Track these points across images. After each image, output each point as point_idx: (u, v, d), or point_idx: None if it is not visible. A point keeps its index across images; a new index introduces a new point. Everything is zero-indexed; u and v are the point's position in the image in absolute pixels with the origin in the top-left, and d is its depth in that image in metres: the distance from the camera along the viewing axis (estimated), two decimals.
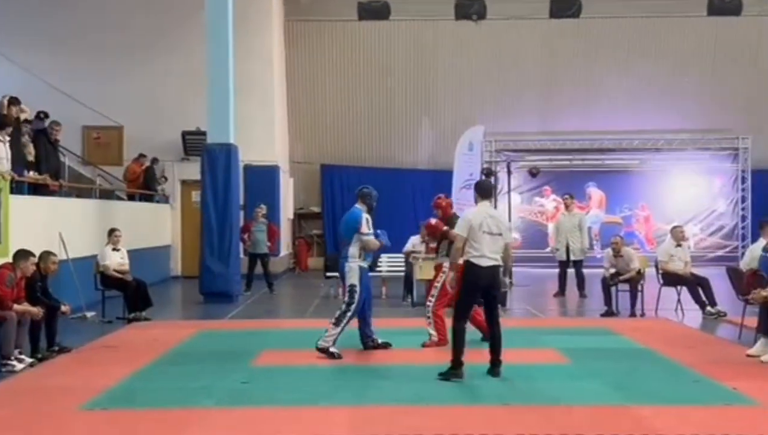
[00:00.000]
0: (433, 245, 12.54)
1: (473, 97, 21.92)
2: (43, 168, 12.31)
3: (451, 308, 8.04)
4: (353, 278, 8.69)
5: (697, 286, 12.15)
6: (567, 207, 15.62)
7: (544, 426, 5.92)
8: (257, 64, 18.74)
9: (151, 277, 14.61)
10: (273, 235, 16.20)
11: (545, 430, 5.83)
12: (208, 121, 14.55)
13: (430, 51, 22.12)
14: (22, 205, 10.99)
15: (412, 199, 21.19)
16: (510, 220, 18.29)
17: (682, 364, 8.23)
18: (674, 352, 8.89)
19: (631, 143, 22.01)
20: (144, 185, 17.93)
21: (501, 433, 5.77)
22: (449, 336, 8.08)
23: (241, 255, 15.23)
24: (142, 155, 18.06)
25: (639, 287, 12.16)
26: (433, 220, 9.94)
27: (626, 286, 12.21)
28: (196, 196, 17.64)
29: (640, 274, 12.22)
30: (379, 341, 9.07)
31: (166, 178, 19.13)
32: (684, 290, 12.31)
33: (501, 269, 7.73)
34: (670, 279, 12.37)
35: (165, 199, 19.20)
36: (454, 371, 7.41)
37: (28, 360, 8.35)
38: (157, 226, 18.53)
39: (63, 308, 9.10)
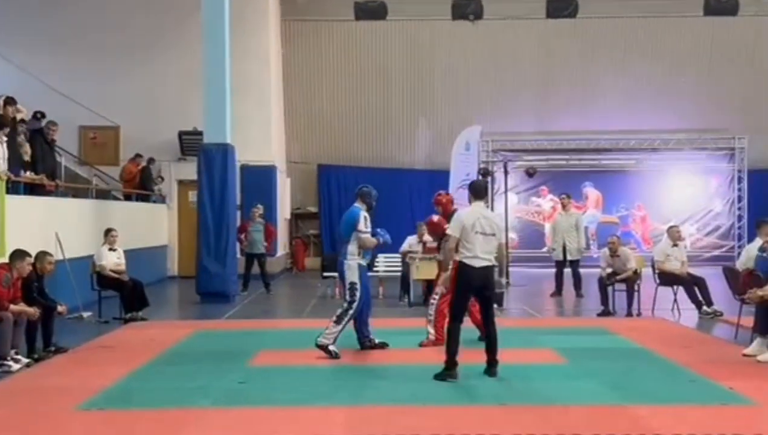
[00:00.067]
0: (432, 245, 12.60)
1: (470, 97, 21.94)
2: (39, 168, 12.29)
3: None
4: (353, 276, 8.70)
5: (694, 285, 12.17)
6: (564, 207, 15.63)
7: (540, 426, 5.93)
8: (254, 64, 18.73)
9: (148, 277, 14.59)
10: (270, 235, 16.19)
11: (542, 430, 5.83)
12: (205, 121, 14.54)
13: (427, 51, 22.14)
14: (19, 205, 10.98)
15: (409, 199, 21.20)
16: (507, 220, 18.30)
17: (678, 364, 8.24)
18: (671, 351, 8.90)
19: (627, 143, 22.03)
20: (140, 185, 17.90)
21: (498, 433, 5.77)
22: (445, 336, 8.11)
23: (238, 255, 15.22)
24: (138, 155, 18.04)
25: (636, 287, 12.17)
26: (435, 218, 9.93)
27: (623, 286, 12.23)
28: (192, 196, 17.64)
29: (636, 274, 12.24)
30: (377, 341, 9.07)
31: (162, 178, 19.11)
32: (680, 290, 12.32)
33: (495, 269, 7.71)
34: (667, 279, 12.38)
35: (162, 199, 19.19)
36: (448, 372, 7.41)
37: (25, 360, 8.33)
38: (154, 226, 18.52)
39: (59, 308, 9.08)
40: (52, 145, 13.09)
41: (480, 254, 7.48)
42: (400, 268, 14.28)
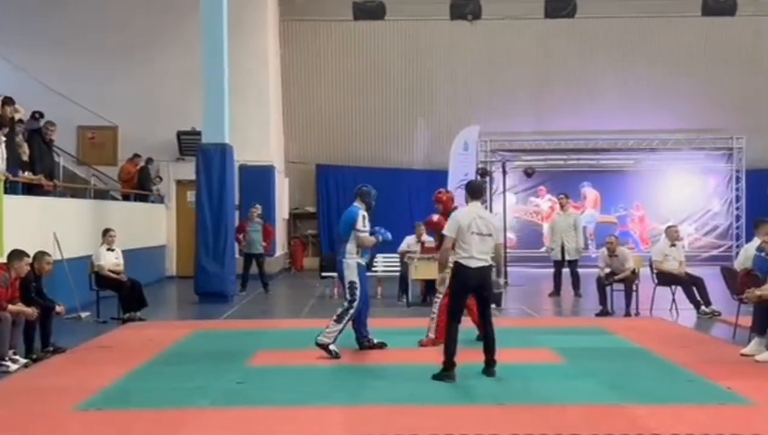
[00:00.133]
0: (430, 245, 12.61)
1: (468, 97, 21.95)
2: (37, 168, 12.28)
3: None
4: (352, 275, 8.70)
5: (692, 285, 12.18)
6: (562, 207, 15.64)
7: (539, 426, 5.93)
8: (252, 64, 18.73)
9: (146, 277, 14.59)
10: (268, 235, 16.19)
11: (540, 429, 5.83)
12: (203, 121, 14.54)
13: (426, 51, 22.15)
14: (17, 205, 10.97)
15: (408, 199, 21.19)
16: (505, 220, 18.31)
17: (676, 364, 8.24)
18: (669, 351, 8.91)
19: (625, 143, 22.05)
20: (139, 185, 17.90)
21: (496, 433, 5.77)
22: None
23: (237, 255, 15.22)
24: (136, 155, 18.05)
25: (634, 287, 12.18)
26: (435, 217, 9.93)
27: (621, 286, 12.23)
28: (191, 196, 17.63)
29: (634, 274, 12.25)
30: (375, 341, 9.07)
31: (161, 178, 19.10)
32: (679, 290, 12.33)
33: (492, 270, 7.70)
34: (665, 278, 12.39)
35: (160, 199, 19.18)
36: (446, 373, 7.40)
37: (23, 360, 8.32)
38: (152, 226, 18.51)
39: (57, 308, 9.07)
40: (51, 145, 13.09)
41: (476, 255, 7.47)
42: (398, 268, 14.28)
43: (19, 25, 18.82)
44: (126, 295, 11.75)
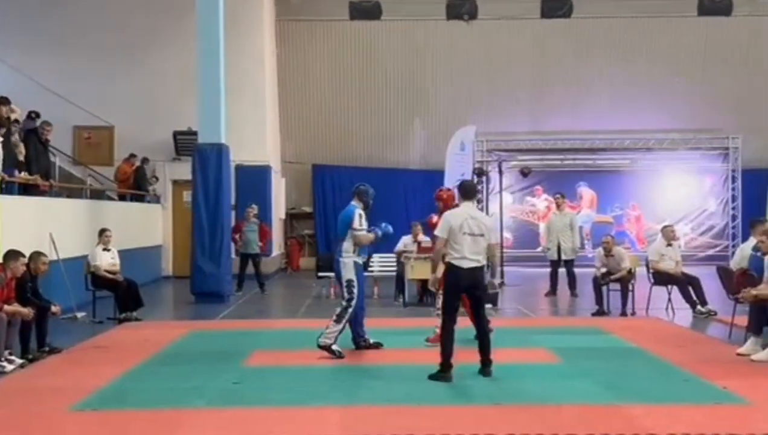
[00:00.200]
0: (427, 244, 12.61)
1: (465, 97, 21.96)
2: (33, 168, 12.26)
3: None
4: (349, 273, 8.70)
5: (688, 285, 12.20)
6: (558, 206, 15.64)
7: (535, 425, 5.93)
8: (248, 64, 18.73)
9: (142, 277, 14.58)
10: (264, 235, 16.18)
11: (536, 429, 5.84)
12: (199, 121, 14.53)
13: (422, 51, 22.16)
14: (12, 205, 10.95)
15: (404, 198, 21.20)
16: (501, 219, 18.33)
17: (672, 363, 8.26)
18: (665, 351, 8.92)
19: (622, 143, 22.08)
20: (135, 185, 17.88)
21: (492, 433, 5.77)
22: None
23: (233, 255, 15.21)
24: (132, 155, 18.03)
25: (630, 286, 12.19)
26: (434, 217, 9.93)
27: (617, 286, 12.25)
28: (187, 196, 17.61)
29: (631, 274, 12.26)
30: (371, 341, 9.07)
31: (157, 178, 19.09)
32: (675, 289, 12.35)
33: (485, 269, 7.68)
34: (661, 278, 12.41)
35: (156, 199, 19.16)
36: (442, 374, 7.41)
37: (19, 361, 8.31)
38: (148, 226, 18.49)
39: (53, 309, 9.06)
40: (47, 145, 13.07)
41: (468, 255, 7.47)
42: (395, 268, 14.28)
43: (15, 25, 18.79)
44: (122, 295, 11.73)
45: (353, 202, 8.94)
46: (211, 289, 14.01)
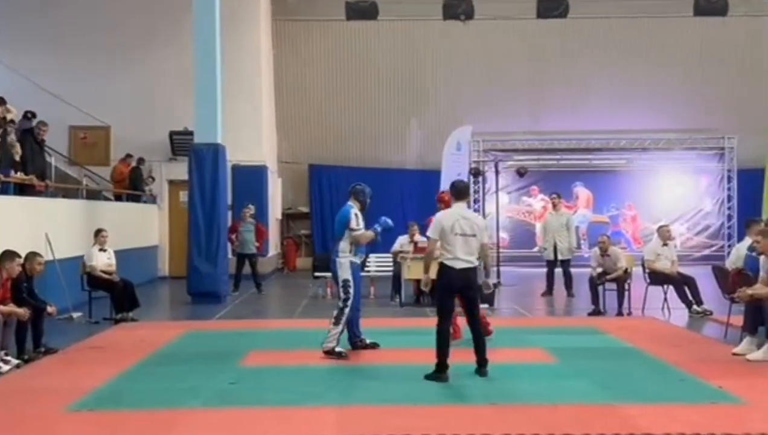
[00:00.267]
0: (423, 245, 12.59)
1: (461, 97, 21.96)
2: (29, 168, 12.25)
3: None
4: (345, 273, 8.69)
5: (684, 285, 12.22)
6: (554, 206, 15.66)
7: (531, 425, 5.94)
8: (245, 64, 18.72)
9: (139, 277, 14.56)
10: (261, 235, 16.18)
11: (532, 429, 5.84)
12: (196, 121, 14.51)
13: (418, 51, 22.16)
14: (8, 205, 10.94)
15: (401, 199, 21.20)
16: (498, 219, 18.34)
17: (668, 363, 8.27)
18: (661, 350, 8.93)
19: (618, 143, 22.11)
20: (131, 185, 17.86)
21: (488, 433, 5.78)
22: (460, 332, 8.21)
23: (229, 255, 15.20)
24: (128, 155, 18.01)
25: (626, 286, 12.21)
26: (433, 219, 9.89)
27: (613, 286, 12.27)
28: (183, 196, 17.61)
29: (627, 274, 12.28)
30: (368, 341, 9.07)
31: (153, 179, 19.08)
32: (670, 289, 12.37)
33: (477, 270, 7.67)
34: (657, 278, 12.44)
35: (152, 200, 19.14)
36: (437, 375, 7.41)
37: (15, 361, 8.30)
38: (145, 226, 18.47)
39: (49, 309, 9.05)
40: (42, 145, 13.05)
41: (460, 256, 7.47)
42: (391, 268, 14.29)
43: (11, 25, 18.78)
44: (118, 295, 11.72)
45: (349, 202, 8.93)
46: (207, 289, 14.00)
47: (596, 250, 12.67)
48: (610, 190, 22.28)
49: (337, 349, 8.54)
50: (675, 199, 22.25)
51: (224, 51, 14.78)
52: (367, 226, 8.90)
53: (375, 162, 21.99)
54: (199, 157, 14.25)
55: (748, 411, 6.45)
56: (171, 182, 19.35)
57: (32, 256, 9.18)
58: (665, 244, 12.59)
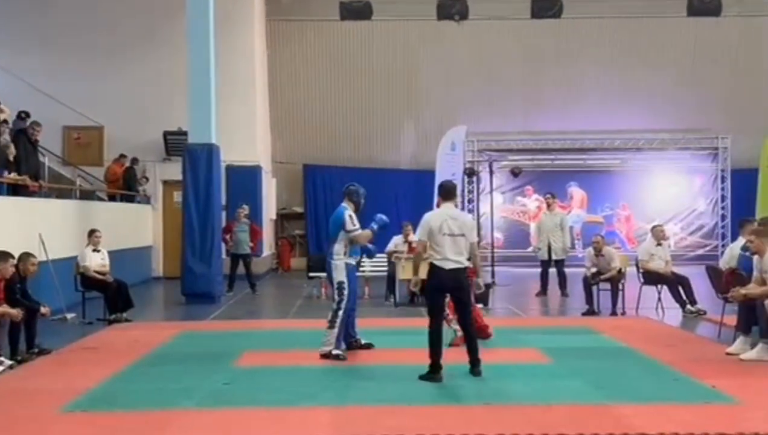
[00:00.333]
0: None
1: (455, 97, 21.98)
2: (22, 168, 12.21)
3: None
4: (340, 275, 8.68)
5: (678, 284, 12.24)
6: (549, 206, 15.68)
7: (525, 425, 5.94)
8: (239, 64, 18.70)
9: (133, 278, 14.55)
10: (255, 235, 16.17)
11: (526, 429, 5.85)
12: (190, 121, 14.49)
13: (413, 51, 22.17)
14: (1, 205, 10.92)
15: (395, 199, 21.17)
16: (492, 219, 18.36)
17: (662, 363, 8.29)
18: (654, 350, 8.95)
19: (612, 143, 22.15)
20: (125, 186, 17.82)
21: (482, 433, 5.78)
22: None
23: (224, 255, 15.18)
24: (122, 156, 17.98)
25: (620, 286, 12.23)
26: None
27: (607, 285, 12.28)
28: (177, 196, 17.57)
29: (621, 273, 12.30)
30: (363, 342, 9.07)
31: (147, 179, 19.04)
32: (664, 289, 12.40)
33: (468, 270, 7.64)
34: (651, 278, 12.46)
35: (146, 200, 19.10)
36: (431, 375, 7.42)
37: (8, 362, 8.27)
38: (139, 226, 18.43)
39: (43, 310, 9.02)
40: (36, 145, 13.01)
41: (450, 256, 7.46)
42: (386, 268, 14.29)
43: (5, 25, 18.73)
44: (112, 296, 11.69)
45: (343, 204, 8.91)
46: (201, 289, 13.98)
47: (590, 250, 12.69)
48: (605, 190, 22.33)
49: (334, 352, 8.53)
50: (669, 199, 22.32)
51: (218, 51, 14.75)
52: (363, 227, 8.89)
53: (369, 162, 21.99)
54: (193, 157, 14.23)
55: (742, 410, 6.46)
56: (165, 182, 19.31)
57: (25, 256, 9.16)
58: (659, 244, 12.62)
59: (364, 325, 9.53)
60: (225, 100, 16.15)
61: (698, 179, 22.59)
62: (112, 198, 17.85)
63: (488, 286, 13.21)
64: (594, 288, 12.35)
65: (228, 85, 17.01)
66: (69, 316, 11.60)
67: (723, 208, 22.13)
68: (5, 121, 12.55)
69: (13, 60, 17.99)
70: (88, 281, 11.72)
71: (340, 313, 8.61)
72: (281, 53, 22.10)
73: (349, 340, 9.02)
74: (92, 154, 18.96)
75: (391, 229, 14.62)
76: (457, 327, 8.86)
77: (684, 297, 12.16)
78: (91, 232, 12.05)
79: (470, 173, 19.31)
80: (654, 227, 13.22)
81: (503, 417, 6.23)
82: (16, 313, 8.38)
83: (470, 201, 21.35)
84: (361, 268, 14.07)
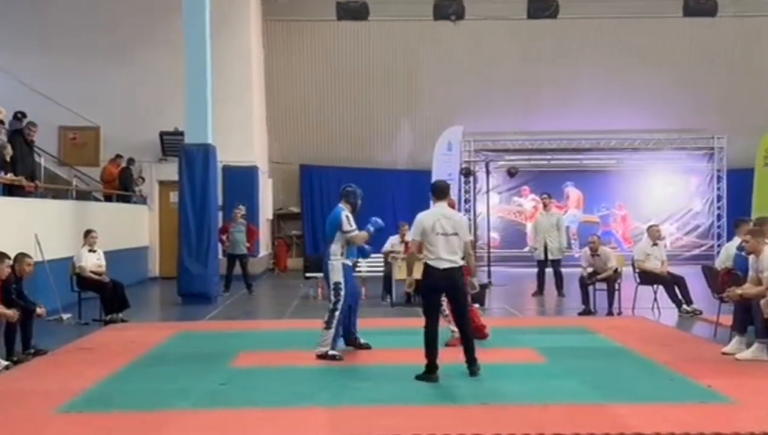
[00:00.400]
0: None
1: (452, 97, 21.97)
2: (18, 169, 12.19)
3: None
4: (337, 276, 8.68)
5: (674, 284, 12.26)
6: (545, 206, 15.69)
7: (521, 425, 5.94)
8: (235, 64, 18.68)
9: (129, 278, 14.51)
10: (252, 235, 16.16)
11: (522, 429, 5.85)
12: (186, 122, 14.48)
13: (409, 51, 22.17)
14: None
15: (391, 199, 21.19)
16: (489, 219, 18.37)
17: (658, 362, 8.30)
18: (650, 350, 8.96)
19: (608, 143, 22.17)
20: (121, 186, 17.80)
21: (479, 433, 5.78)
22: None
23: (220, 256, 15.17)
24: (118, 156, 17.96)
25: (616, 286, 12.23)
26: None
27: (604, 285, 12.29)
28: (174, 196, 17.57)
29: (617, 273, 12.31)
30: (361, 341, 9.07)
31: (143, 179, 19.02)
32: (660, 289, 12.41)
33: (462, 269, 7.64)
34: (647, 278, 12.47)
35: (143, 200, 19.08)
36: (427, 375, 7.42)
37: (3, 363, 8.26)
38: (135, 227, 18.41)
39: (38, 310, 9.00)
40: (32, 145, 12.99)
41: (443, 256, 7.46)
42: (382, 269, 14.29)
43: (1, 25, 18.68)
44: (108, 296, 11.68)
45: (340, 205, 8.91)
46: (198, 290, 13.97)
47: (586, 249, 12.70)
48: (601, 190, 22.34)
49: (331, 353, 8.52)
50: (665, 199, 22.34)
51: (215, 51, 14.75)
52: (359, 228, 8.89)
53: (366, 162, 21.98)
54: (190, 157, 14.22)
55: (738, 410, 6.47)
56: (161, 183, 19.30)
57: (21, 257, 9.13)
58: (655, 244, 12.63)
59: (361, 325, 9.50)
60: (221, 100, 16.12)
61: (694, 179, 22.62)
62: (108, 198, 17.83)
63: (485, 286, 13.19)
64: (590, 288, 12.36)
65: (224, 85, 16.98)
66: (65, 316, 11.57)
67: (719, 208, 22.16)
68: (1, 122, 12.53)
69: (10, 60, 17.95)
70: (84, 282, 11.71)
71: (337, 313, 8.61)
72: (278, 53, 22.09)
73: (349, 336, 9.02)
74: (88, 155, 18.95)
75: (388, 229, 14.70)
76: (454, 329, 8.89)
77: (680, 297, 12.18)
78: (87, 233, 12.04)
79: (467, 173, 19.32)
80: (650, 227, 13.23)
81: (499, 417, 6.23)
82: (12, 313, 8.37)
83: (467, 201, 21.36)
84: (357, 269, 14.11)
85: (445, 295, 7.77)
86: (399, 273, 13.19)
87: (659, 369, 8.03)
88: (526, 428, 5.86)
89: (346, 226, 8.67)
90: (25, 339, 8.82)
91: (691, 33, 22.27)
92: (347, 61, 22.21)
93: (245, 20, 19.59)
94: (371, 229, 8.96)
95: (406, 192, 21.17)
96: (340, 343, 8.88)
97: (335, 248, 8.72)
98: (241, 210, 15.91)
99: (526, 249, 18.19)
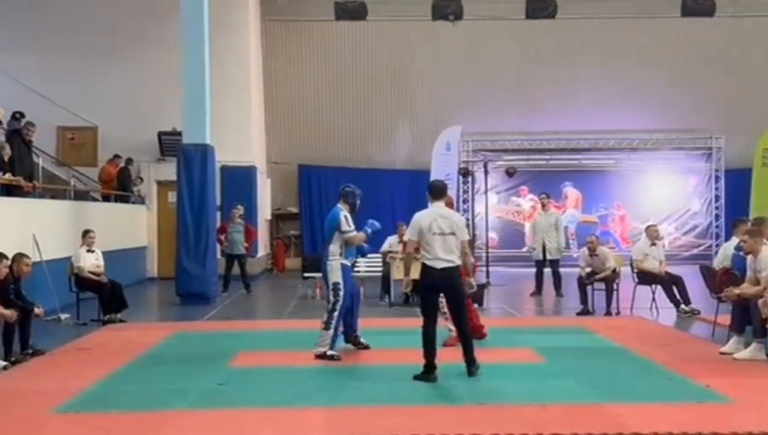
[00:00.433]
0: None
1: (450, 97, 21.98)
2: (17, 169, 12.19)
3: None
4: (335, 276, 8.68)
5: (672, 284, 12.27)
6: (543, 206, 15.70)
7: (519, 425, 5.94)
8: (234, 64, 18.67)
9: (127, 278, 14.50)
10: (250, 235, 16.15)
11: (521, 429, 5.85)
12: (184, 122, 14.48)
13: (408, 51, 22.18)
14: None
15: (390, 199, 21.20)
16: (487, 219, 18.36)
17: (656, 362, 8.30)
18: (649, 350, 8.96)
19: (606, 143, 22.19)
20: (119, 186, 17.79)
21: (477, 433, 5.78)
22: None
23: (218, 256, 15.17)
24: (116, 156, 17.95)
25: (614, 286, 12.24)
26: None
27: (602, 285, 12.29)
28: (172, 196, 17.55)
29: (615, 273, 12.31)
30: (362, 341, 9.07)
31: (141, 179, 19.01)
32: (659, 289, 12.42)
33: (459, 268, 7.62)
34: (645, 278, 12.47)
35: (141, 200, 19.07)
36: (426, 375, 7.42)
37: (2, 363, 8.26)
38: (133, 227, 18.40)
39: (37, 311, 9.00)
40: (30, 146, 12.99)
41: (441, 255, 7.45)
42: (380, 268, 14.28)
43: None
44: (106, 296, 11.68)
45: (339, 205, 8.92)
46: (196, 290, 13.96)
47: (585, 249, 12.70)
48: (599, 190, 22.36)
49: (329, 353, 8.52)
50: (663, 199, 22.36)
51: (213, 51, 14.74)
52: (358, 228, 8.89)
53: (364, 162, 21.99)
54: (188, 157, 14.21)
55: (736, 410, 6.48)
56: (159, 183, 19.29)
57: (19, 257, 9.13)
58: (653, 244, 12.63)
59: (360, 325, 9.50)
60: (220, 100, 16.14)
61: (692, 179, 22.64)
62: (106, 198, 17.81)
63: (483, 286, 13.19)
64: (588, 288, 12.36)
65: (223, 85, 16.99)
66: (63, 316, 11.58)
67: (717, 207, 22.18)
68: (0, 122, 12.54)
69: (7, 60, 17.93)
70: (82, 282, 11.70)
71: (335, 314, 8.61)
72: (276, 53, 22.08)
73: (348, 331, 9.03)
74: (86, 155, 18.93)
75: (386, 229, 14.69)
76: (452, 328, 8.88)
77: (678, 297, 12.19)
78: (86, 233, 12.04)
79: (465, 173, 19.32)
80: (648, 227, 13.24)
81: (498, 417, 6.23)
82: (10, 313, 8.37)
83: (465, 201, 21.37)
84: (356, 268, 14.10)
85: (443, 295, 7.77)
86: (397, 273, 13.18)
87: (657, 369, 8.04)
88: (524, 428, 5.86)
89: (344, 227, 8.67)
90: (23, 339, 8.82)
91: (689, 33, 22.29)
92: (346, 61, 22.21)
93: (244, 20, 19.57)
94: (368, 230, 8.97)
95: (404, 192, 21.17)
96: (340, 341, 8.88)
97: (334, 248, 8.72)
98: (240, 210, 15.92)
99: (525, 249, 18.15)
